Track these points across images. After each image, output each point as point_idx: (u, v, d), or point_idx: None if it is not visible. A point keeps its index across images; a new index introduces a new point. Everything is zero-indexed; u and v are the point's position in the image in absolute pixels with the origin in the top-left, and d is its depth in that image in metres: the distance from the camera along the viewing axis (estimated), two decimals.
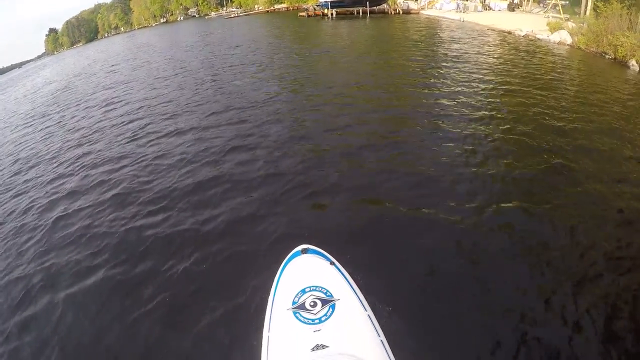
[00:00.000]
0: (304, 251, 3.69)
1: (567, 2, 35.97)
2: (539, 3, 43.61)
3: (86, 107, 15.80)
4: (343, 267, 3.53)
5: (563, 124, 8.38)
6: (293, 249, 3.75)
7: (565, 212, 5.33)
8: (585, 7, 34.77)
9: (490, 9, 40.17)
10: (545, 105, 9.73)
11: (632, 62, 20.20)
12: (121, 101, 15.20)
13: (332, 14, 41.09)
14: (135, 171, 8.06)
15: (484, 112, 9.28)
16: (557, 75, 14.32)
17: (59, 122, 14.42)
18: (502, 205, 5.51)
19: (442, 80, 12.67)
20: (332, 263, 3.55)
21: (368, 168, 6.84)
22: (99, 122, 12.81)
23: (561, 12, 33.04)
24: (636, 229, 4.92)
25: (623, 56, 20.73)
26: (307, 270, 3.49)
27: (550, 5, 34.86)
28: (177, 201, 6.48)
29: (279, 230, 5.32)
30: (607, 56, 22.32)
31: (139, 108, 13.35)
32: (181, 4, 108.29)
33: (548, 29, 27.31)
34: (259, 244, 5.11)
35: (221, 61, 19.92)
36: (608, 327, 3.66)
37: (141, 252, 5.37)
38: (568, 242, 4.78)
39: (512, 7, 40.44)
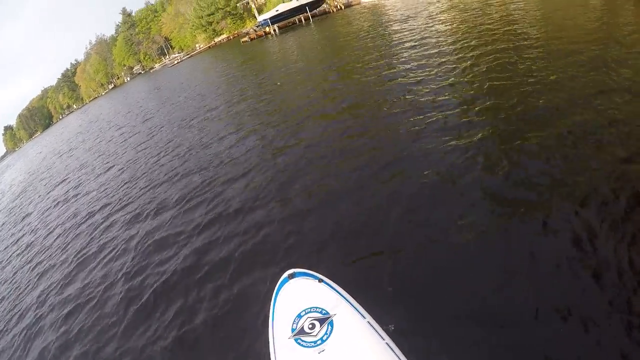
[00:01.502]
0: (291, 276, 3.71)
1: None
2: None
3: (42, 213, 13.86)
4: (333, 281, 3.51)
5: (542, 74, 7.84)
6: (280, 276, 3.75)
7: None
8: None
9: None
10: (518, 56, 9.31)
11: None
12: (77, 195, 13.29)
13: (274, 30, 39.36)
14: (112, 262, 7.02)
15: (461, 85, 8.69)
16: (520, 19, 13.63)
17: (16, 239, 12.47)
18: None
19: (408, 65, 11.63)
20: (320, 280, 3.56)
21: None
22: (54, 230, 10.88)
23: None
24: None
25: None
26: (298, 294, 3.52)
27: None
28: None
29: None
30: None
31: (95, 200, 11.44)
32: (124, 65, 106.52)
33: None
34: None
35: (174, 120, 17.97)
36: None
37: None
38: None
39: None
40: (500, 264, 3.84)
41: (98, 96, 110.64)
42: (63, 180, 17.67)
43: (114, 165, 14.70)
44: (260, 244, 5.53)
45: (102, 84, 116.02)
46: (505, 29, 12.96)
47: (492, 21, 14.71)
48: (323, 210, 5.73)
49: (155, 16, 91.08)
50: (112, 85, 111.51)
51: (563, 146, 5.26)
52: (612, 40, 8.72)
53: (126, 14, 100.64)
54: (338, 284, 3.47)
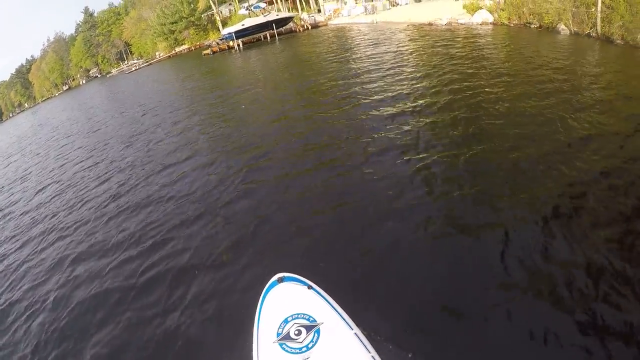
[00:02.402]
0: (280, 280, 3.70)
1: None
2: None
3: None
4: (322, 289, 3.51)
5: (505, 105, 8.47)
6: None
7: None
8: None
9: (397, 4, 39.71)
10: (483, 87, 9.92)
11: (561, 27, 19.69)
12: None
13: (238, 45, 38.35)
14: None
15: (424, 114, 9.13)
16: (489, 54, 14.25)
17: None
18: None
19: (375, 92, 11.76)
20: (310, 287, 3.54)
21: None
22: None
23: None
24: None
25: (550, 22, 20.26)
26: (286, 299, 3.49)
27: None
28: None
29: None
30: (532, 25, 22.08)
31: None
32: (81, 67, 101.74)
33: (466, 12, 26.84)
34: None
35: (122, 136, 16.67)
36: None
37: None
38: None
39: None
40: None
41: (51, 96, 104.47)
42: None
43: (44, 188, 13.22)
44: None
45: (56, 85, 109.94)
46: (472, 59, 13.46)
47: (458, 51, 15.23)
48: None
49: (117, 19, 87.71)
50: (67, 87, 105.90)
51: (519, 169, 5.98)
52: (577, 77, 9.50)
53: (88, 14, 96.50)
54: (328, 292, 3.49)
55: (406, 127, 8.39)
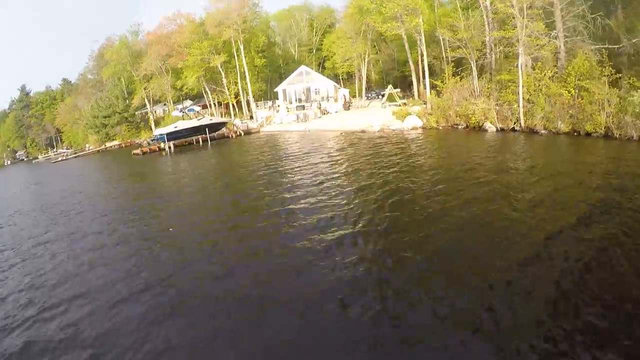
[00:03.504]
0: None
1: (399, 89, 38.86)
2: (367, 98, 47.03)
3: None
4: None
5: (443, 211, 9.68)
6: None
7: None
8: (417, 89, 37.76)
9: (328, 112, 41.48)
10: (419, 199, 10.82)
11: (488, 125, 21.20)
12: None
13: (169, 148, 37.45)
14: None
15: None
16: (422, 160, 15.17)
17: None
18: None
19: (302, 208, 11.76)
20: None
21: None
22: None
23: (397, 99, 35.08)
24: None
25: (476, 122, 21.86)
26: None
27: (385, 96, 37.04)
28: None
29: None
30: (459, 127, 23.44)
31: None
32: (8, 146, 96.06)
33: (396, 118, 28.33)
34: None
35: (25, 249, 13.70)
36: None
37: None
38: None
39: (347, 106, 42.69)
40: None
41: None
42: None
43: None
44: None
45: None
46: (407, 167, 14.29)
47: (392, 159, 16.00)
48: None
49: (52, 103, 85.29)
50: None
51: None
52: (505, 167, 11.24)
53: (24, 92, 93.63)
54: None
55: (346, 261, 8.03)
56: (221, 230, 11.39)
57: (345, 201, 11.49)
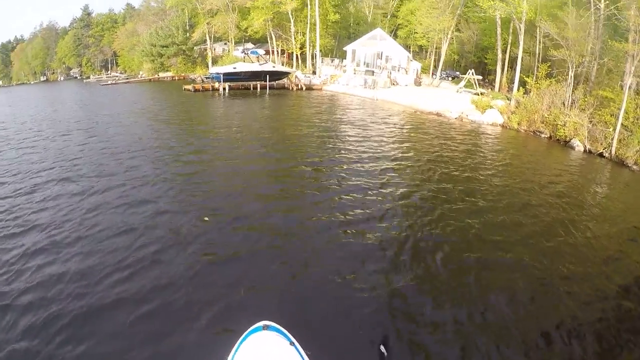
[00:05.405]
0: (266, 327, 3.65)
1: (480, 77, 34.57)
2: (440, 78, 42.65)
3: None
4: (303, 348, 3.43)
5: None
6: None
7: None
8: (500, 82, 33.43)
9: (397, 83, 37.71)
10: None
11: (576, 142, 18.12)
12: None
13: (224, 89, 34.72)
14: None
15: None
16: (503, 167, 13.67)
17: None
18: None
19: (356, 181, 11.15)
20: (292, 343, 3.48)
21: None
22: None
23: (476, 86, 30.97)
24: None
25: (564, 135, 18.87)
26: (265, 349, 3.41)
27: (464, 81, 33.01)
28: None
29: None
30: (542, 135, 20.46)
31: None
32: (64, 63, 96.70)
33: (475, 108, 24.99)
34: None
35: (71, 172, 12.30)
36: None
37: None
38: None
39: (418, 82, 38.79)
40: None
41: (26, 82, 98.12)
42: None
43: None
44: None
45: (35, 72, 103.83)
46: (481, 169, 12.84)
47: (468, 156, 14.42)
48: None
49: (113, 26, 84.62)
50: (45, 78, 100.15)
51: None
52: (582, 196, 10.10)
53: (86, 12, 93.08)
54: (308, 353, 3.45)
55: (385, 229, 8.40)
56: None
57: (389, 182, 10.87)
